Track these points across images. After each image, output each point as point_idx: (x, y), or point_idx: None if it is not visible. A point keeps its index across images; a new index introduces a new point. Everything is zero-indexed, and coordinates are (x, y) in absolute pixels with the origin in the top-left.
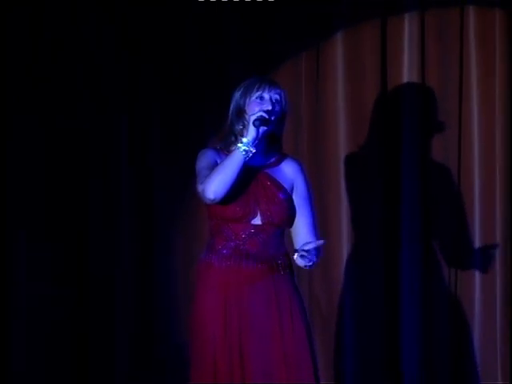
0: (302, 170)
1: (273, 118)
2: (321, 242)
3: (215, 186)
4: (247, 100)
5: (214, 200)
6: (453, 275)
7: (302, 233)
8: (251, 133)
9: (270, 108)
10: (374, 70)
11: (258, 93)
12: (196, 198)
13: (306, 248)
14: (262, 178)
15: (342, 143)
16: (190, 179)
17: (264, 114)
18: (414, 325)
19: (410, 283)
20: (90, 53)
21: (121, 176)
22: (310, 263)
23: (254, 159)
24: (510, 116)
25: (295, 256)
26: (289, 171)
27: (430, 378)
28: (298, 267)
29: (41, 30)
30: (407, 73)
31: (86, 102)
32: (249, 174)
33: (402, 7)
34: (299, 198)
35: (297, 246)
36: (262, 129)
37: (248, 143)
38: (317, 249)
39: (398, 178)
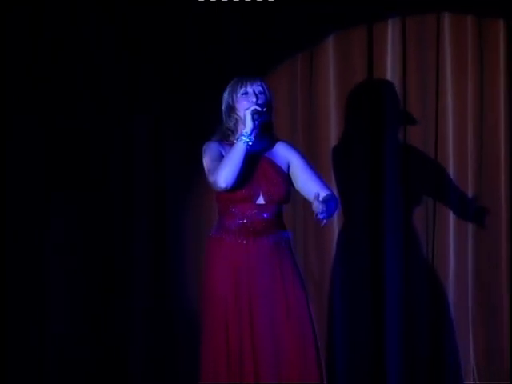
0: (292, 146)
1: (264, 110)
2: (325, 193)
3: (225, 176)
4: (234, 97)
5: (226, 188)
6: (430, 253)
7: (315, 190)
8: (248, 125)
9: (254, 100)
10: (361, 70)
11: (242, 89)
12: (204, 182)
13: (320, 199)
14: (262, 161)
15: (332, 134)
16: (198, 164)
17: (257, 107)
18: (397, 295)
19: (393, 259)
20: (90, 53)
21: (135, 165)
22: (323, 214)
23: (252, 146)
24: (480, 109)
25: (314, 207)
26: (282, 151)
27: (409, 334)
28: (295, 243)
29: (41, 30)
30: (390, 73)
31: (86, 102)
32: (250, 159)
33: (385, 15)
34: (299, 167)
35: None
36: (258, 120)
37: (248, 134)
38: (327, 201)
39: (382, 167)
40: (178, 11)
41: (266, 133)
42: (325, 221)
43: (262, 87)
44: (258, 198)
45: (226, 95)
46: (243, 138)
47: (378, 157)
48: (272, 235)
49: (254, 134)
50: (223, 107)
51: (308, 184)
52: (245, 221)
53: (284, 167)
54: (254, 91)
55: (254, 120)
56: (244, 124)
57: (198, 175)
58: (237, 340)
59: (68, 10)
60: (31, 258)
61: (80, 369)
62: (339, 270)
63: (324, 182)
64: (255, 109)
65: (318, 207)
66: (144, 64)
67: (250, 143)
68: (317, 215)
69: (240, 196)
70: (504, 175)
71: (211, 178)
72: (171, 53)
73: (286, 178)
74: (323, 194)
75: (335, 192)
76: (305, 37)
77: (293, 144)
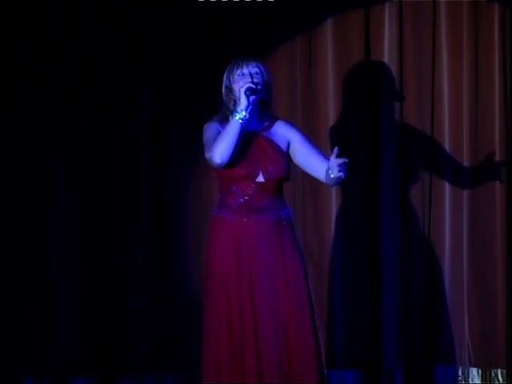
0: (291, 124)
1: (259, 88)
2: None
3: (220, 151)
4: (231, 79)
5: (221, 164)
6: (426, 231)
7: (318, 163)
8: (243, 102)
9: (250, 80)
10: (358, 52)
11: (239, 70)
12: (205, 162)
13: (337, 163)
14: (261, 140)
15: (330, 115)
16: (198, 145)
17: (252, 85)
18: (394, 273)
19: (389, 238)
20: (90, 53)
21: (136, 146)
22: (341, 173)
23: (252, 125)
24: (475, 89)
25: (330, 171)
26: (281, 130)
27: (406, 312)
28: (294, 222)
29: (41, 29)
30: (387, 55)
31: (86, 102)
32: (249, 138)
33: None
34: (299, 141)
35: (319, 174)
36: (252, 97)
37: (241, 111)
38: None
39: (379, 147)
40: (178, 11)
41: (265, 113)
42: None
43: (259, 68)
44: (257, 176)
45: (224, 78)
46: (237, 114)
47: (375, 136)
48: (272, 212)
49: (248, 111)
50: (222, 89)
51: (308, 158)
52: (245, 198)
53: (283, 146)
54: (249, 72)
55: (247, 97)
56: (240, 102)
57: (198, 156)
58: (238, 315)
59: (68, 9)
60: (32, 257)
61: (84, 355)
62: (338, 249)
63: (324, 154)
64: (249, 86)
65: (334, 166)
66: (144, 64)
67: (246, 119)
68: (334, 172)
69: (240, 174)
70: (499, 151)
71: (207, 155)
72: (171, 53)
73: (284, 156)
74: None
75: None
76: (303, 20)
77: (291, 122)
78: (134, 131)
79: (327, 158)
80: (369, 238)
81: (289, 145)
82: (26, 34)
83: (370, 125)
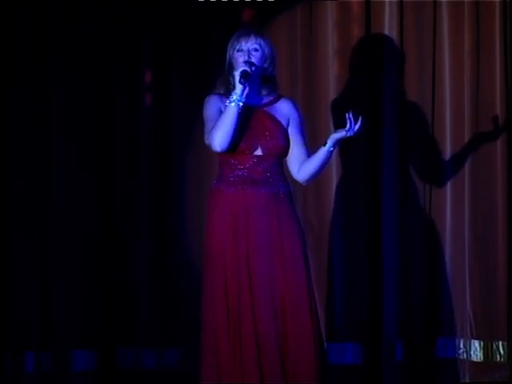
0: (296, 107)
1: (253, 69)
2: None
3: (219, 140)
4: (231, 53)
5: (221, 151)
6: (427, 204)
7: (296, 156)
8: (237, 86)
9: (246, 58)
10: (359, 20)
11: (238, 45)
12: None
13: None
14: (261, 115)
15: (331, 86)
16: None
17: (245, 68)
18: (394, 246)
19: (390, 210)
20: (90, 53)
21: (139, 119)
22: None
23: (253, 99)
24: (477, 66)
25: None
26: (285, 108)
27: (406, 285)
28: (295, 196)
29: (41, 30)
30: (388, 24)
31: (85, 102)
32: (249, 112)
33: None
34: (294, 130)
35: (293, 170)
36: (245, 82)
37: (237, 95)
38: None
39: (380, 122)
40: (178, 11)
41: (268, 87)
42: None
43: (258, 44)
44: (256, 149)
45: (227, 48)
46: (233, 98)
47: (376, 112)
48: (269, 185)
49: (244, 94)
50: (226, 59)
51: (294, 149)
52: (243, 171)
53: (284, 123)
54: (248, 49)
55: (241, 82)
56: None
57: (199, 125)
58: (235, 288)
59: (68, 10)
60: (31, 231)
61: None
62: (337, 222)
63: (307, 150)
64: (243, 71)
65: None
66: (144, 64)
67: (241, 104)
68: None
69: (239, 148)
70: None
71: (207, 141)
72: (171, 53)
73: (284, 131)
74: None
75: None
76: None
77: (297, 104)
78: (134, 131)
79: (308, 155)
80: (368, 212)
81: (288, 124)
82: (26, 33)
83: (371, 98)
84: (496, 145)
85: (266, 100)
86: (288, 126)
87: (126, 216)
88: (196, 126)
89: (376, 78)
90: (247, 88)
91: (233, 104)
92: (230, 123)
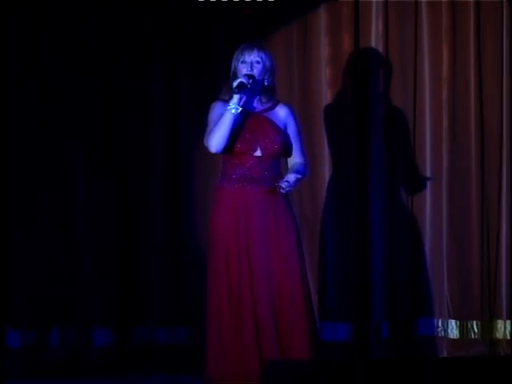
0: (292, 112)
1: (251, 81)
2: (292, 176)
3: (215, 143)
4: (236, 64)
5: (216, 153)
6: (410, 199)
7: (294, 156)
8: (235, 97)
9: (248, 70)
10: (349, 36)
11: (242, 58)
12: None
13: (286, 179)
14: (261, 120)
15: (323, 92)
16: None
17: (243, 80)
18: (380, 234)
19: (377, 203)
20: (90, 53)
21: (151, 120)
22: (287, 188)
23: (253, 106)
24: (453, 74)
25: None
26: (282, 114)
27: (391, 265)
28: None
29: (41, 29)
30: (374, 40)
31: (85, 102)
32: (251, 118)
33: None
34: (292, 133)
35: (288, 163)
36: (242, 93)
37: (234, 104)
38: (296, 177)
39: (367, 123)
40: (178, 11)
41: (267, 95)
42: (284, 190)
43: (260, 57)
44: (255, 151)
45: (232, 60)
46: (230, 106)
47: (364, 113)
48: (267, 183)
49: (241, 104)
50: (231, 70)
51: (292, 151)
52: (244, 170)
53: (282, 126)
54: (251, 61)
55: (235, 92)
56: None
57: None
58: (236, 270)
59: (68, 10)
60: (58, 219)
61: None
62: (329, 214)
63: (304, 154)
64: (239, 81)
65: (285, 180)
66: (144, 64)
67: (239, 112)
68: (280, 183)
69: (240, 149)
70: (474, 130)
71: (205, 143)
72: (171, 53)
73: (281, 134)
74: (297, 162)
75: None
76: (299, 6)
77: (293, 110)
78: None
79: (303, 155)
80: (358, 206)
81: (286, 128)
82: (26, 34)
83: (360, 102)
84: (470, 149)
85: (265, 106)
86: (286, 129)
87: (140, 209)
88: (201, 129)
89: (364, 84)
90: (244, 97)
91: (229, 111)
92: (225, 128)
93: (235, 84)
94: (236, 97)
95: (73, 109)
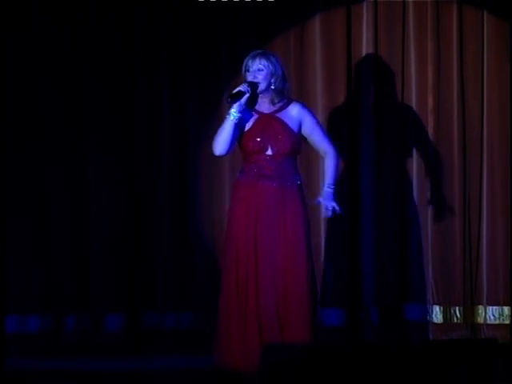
0: (305, 107)
1: (249, 89)
2: (330, 208)
3: (217, 147)
4: (243, 72)
5: (219, 155)
6: (398, 197)
7: (320, 145)
8: (235, 105)
9: (252, 78)
10: (342, 42)
11: (247, 67)
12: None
13: (327, 206)
14: (273, 121)
15: (319, 95)
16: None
17: (240, 88)
18: (370, 227)
19: (367, 197)
20: (90, 53)
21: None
22: (330, 210)
23: (265, 107)
24: (437, 75)
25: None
26: (294, 112)
27: (380, 255)
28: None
29: (41, 29)
30: (365, 45)
31: (85, 102)
32: (263, 118)
33: None
34: (310, 126)
35: (320, 151)
36: (236, 101)
37: (234, 111)
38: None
39: (358, 123)
40: (178, 11)
41: (278, 96)
42: (331, 213)
43: (262, 64)
44: (267, 150)
45: (242, 67)
46: (229, 115)
47: (356, 113)
48: (279, 179)
49: (239, 110)
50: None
51: (316, 140)
52: (258, 167)
53: (294, 125)
54: (254, 69)
55: (227, 101)
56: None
57: (214, 124)
58: (244, 262)
59: (68, 10)
60: (71, 212)
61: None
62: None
63: (328, 139)
64: (237, 91)
65: (327, 207)
66: (144, 64)
67: (238, 117)
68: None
69: (253, 148)
70: (457, 122)
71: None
72: (171, 53)
73: (292, 134)
74: (328, 151)
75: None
76: (295, 17)
77: (305, 105)
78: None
79: (330, 143)
80: (350, 200)
81: (301, 125)
82: (27, 34)
83: (351, 104)
84: (453, 139)
85: (277, 107)
86: (301, 125)
87: (149, 200)
88: (206, 129)
89: (355, 86)
90: (242, 105)
91: (228, 118)
92: (226, 134)
93: (234, 91)
94: (235, 104)
95: (85, 111)
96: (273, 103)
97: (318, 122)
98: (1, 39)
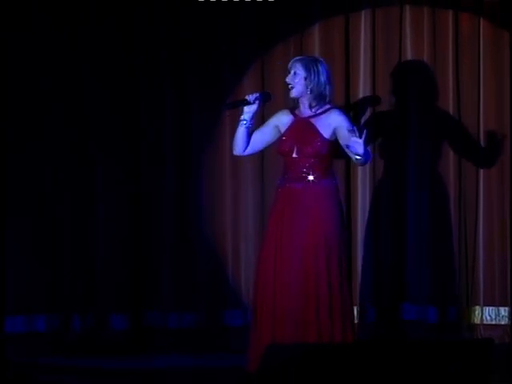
0: (340, 114)
1: (254, 99)
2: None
3: (233, 146)
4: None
5: (238, 156)
6: (394, 195)
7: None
8: (245, 112)
9: (287, 81)
10: (340, 49)
11: (288, 69)
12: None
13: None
14: (304, 125)
15: None
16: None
17: (247, 98)
18: (367, 230)
19: (363, 197)
20: (90, 53)
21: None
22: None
23: (304, 112)
24: (434, 73)
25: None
26: (330, 118)
27: (377, 256)
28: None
29: (41, 29)
30: (363, 53)
31: (85, 102)
32: (298, 121)
33: (359, 7)
34: (343, 130)
35: (350, 156)
36: (247, 108)
37: (243, 119)
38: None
39: (357, 127)
40: (178, 11)
41: (316, 101)
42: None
43: (298, 69)
44: (293, 152)
45: None
46: (241, 121)
47: (356, 114)
48: (304, 182)
49: (248, 118)
50: None
51: (344, 143)
52: (286, 169)
53: (325, 130)
54: (291, 73)
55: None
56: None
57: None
58: (267, 265)
59: (68, 10)
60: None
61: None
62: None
63: (364, 147)
64: (243, 99)
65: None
66: (143, 64)
67: (246, 127)
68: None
69: (283, 151)
70: (453, 127)
71: None
72: (170, 53)
73: (319, 138)
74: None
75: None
76: (295, 25)
77: (341, 111)
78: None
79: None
80: (346, 200)
81: (335, 131)
82: (28, 34)
83: (350, 105)
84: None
85: (314, 112)
86: (335, 131)
87: (152, 202)
88: (211, 129)
89: (353, 92)
90: (250, 112)
91: (240, 123)
92: (239, 139)
93: (239, 99)
94: (246, 111)
95: (85, 111)
96: (310, 108)
97: (354, 130)
98: (1, 39)
